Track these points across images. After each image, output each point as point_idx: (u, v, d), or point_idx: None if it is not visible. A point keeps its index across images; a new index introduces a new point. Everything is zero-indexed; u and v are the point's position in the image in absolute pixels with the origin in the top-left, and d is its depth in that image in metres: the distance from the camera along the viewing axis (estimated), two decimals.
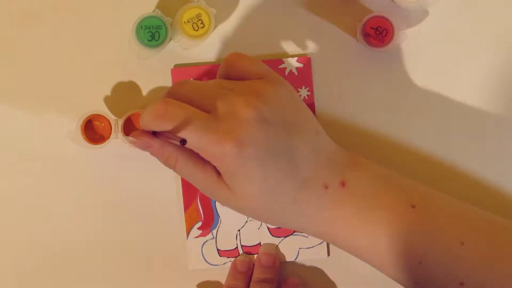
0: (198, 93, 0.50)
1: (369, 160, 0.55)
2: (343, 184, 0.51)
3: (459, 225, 0.51)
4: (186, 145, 0.48)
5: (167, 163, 0.52)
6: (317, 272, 0.61)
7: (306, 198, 0.51)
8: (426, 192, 0.53)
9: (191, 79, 0.60)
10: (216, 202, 0.61)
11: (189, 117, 0.48)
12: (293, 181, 0.50)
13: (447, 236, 0.50)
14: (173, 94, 0.51)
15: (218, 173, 0.50)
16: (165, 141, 0.50)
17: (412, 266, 0.50)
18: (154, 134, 0.51)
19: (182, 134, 0.48)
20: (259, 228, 0.61)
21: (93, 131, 0.59)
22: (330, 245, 0.61)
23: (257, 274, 0.59)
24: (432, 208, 0.52)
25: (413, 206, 0.51)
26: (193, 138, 0.48)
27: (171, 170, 0.60)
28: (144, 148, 0.52)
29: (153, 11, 0.60)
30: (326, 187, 0.51)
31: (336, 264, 0.61)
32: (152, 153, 0.52)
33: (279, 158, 0.50)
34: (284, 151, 0.50)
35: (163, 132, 0.50)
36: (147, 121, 0.50)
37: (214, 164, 0.50)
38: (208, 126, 0.48)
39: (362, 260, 0.53)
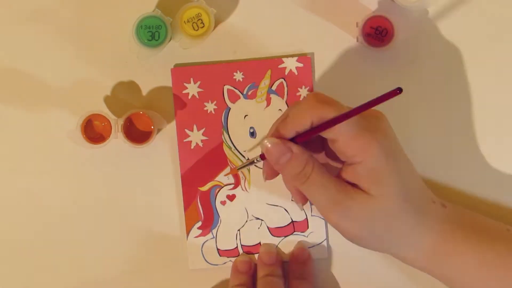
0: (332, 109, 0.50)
1: None
2: (443, 205, 0.54)
3: None
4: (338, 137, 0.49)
5: (302, 172, 0.50)
6: (317, 272, 0.61)
7: (423, 208, 0.52)
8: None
9: (191, 80, 0.61)
10: (217, 203, 0.61)
11: (341, 108, 0.49)
12: (414, 187, 0.52)
13: None
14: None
15: (349, 183, 0.51)
16: (303, 147, 0.50)
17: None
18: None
19: (332, 128, 0.49)
20: (259, 228, 0.61)
21: (93, 131, 0.59)
22: (330, 245, 0.61)
23: (261, 272, 0.59)
24: None
25: (508, 230, 0.55)
26: (346, 129, 0.49)
27: (171, 170, 0.60)
28: (284, 153, 0.50)
29: (153, 10, 0.60)
30: (433, 202, 0.54)
31: (336, 264, 0.61)
32: (288, 161, 0.50)
33: (405, 162, 0.52)
34: (406, 159, 0.53)
35: (301, 134, 0.50)
36: (308, 107, 0.49)
37: (358, 158, 0.49)
38: (356, 120, 0.49)
39: (461, 282, 0.54)
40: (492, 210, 0.60)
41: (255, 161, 0.54)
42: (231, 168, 0.61)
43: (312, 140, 0.52)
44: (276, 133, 0.51)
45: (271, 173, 0.55)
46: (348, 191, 0.50)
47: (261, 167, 0.57)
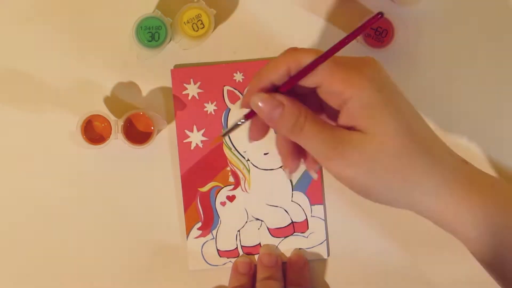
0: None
1: None
2: (465, 161, 0.48)
3: None
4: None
5: (296, 124, 0.46)
6: (317, 272, 0.61)
7: (437, 157, 0.46)
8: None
9: (191, 81, 0.61)
10: (217, 203, 0.61)
11: (334, 52, 0.45)
12: (422, 131, 0.46)
13: None
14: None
15: (348, 129, 0.46)
16: (293, 98, 0.46)
17: None
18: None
19: (319, 68, 0.45)
20: (259, 229, 0.61)
21: (93, 131, 0.59)
22: (330, 246, 0.61)
23: (261, 274, 0.60)
24: None
25: None
26: (330, 68, 0.45)
27: (171, 171, 0.60)
28: (275, 107, 0.46)
29: (153, 11, 0.60)
30: (452, 155, 0.47)
31: (336, 264, 0.61)
32: (280, 116, 0.46)
33: (406, 103, 0.47)
34: (408, 102, 0.47)
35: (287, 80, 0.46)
36: (282, 56, 0.46)
37: (350, 94, 0.45)
38: (338, 59, 0.45)
39: (470, 239, 0.47)
40: None
41: (240, 122, 0.49)
42: (217, 140, 0.59)
43: (310, 102, 0.48)
44: (254, 87, 0.47)
45: (257, 134, 0.50)
46: (345, 135, 0.45)
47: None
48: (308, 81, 0.46)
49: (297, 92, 0.47)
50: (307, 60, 0.45)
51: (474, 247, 0.47)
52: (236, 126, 0.49)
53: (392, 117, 0.45)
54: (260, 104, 0.46)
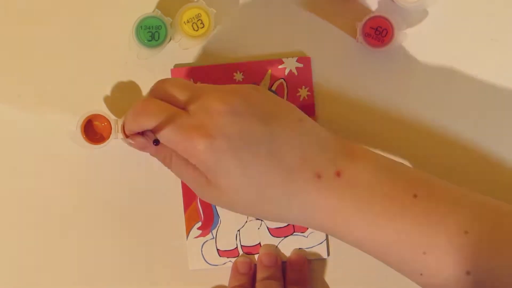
0: (177, 91, 0.51)
1: (365, 147, 0.53)
2: (338, 173, 0.50)
3: (462, 213, 0.49)
4: (165, 144, 0.50)
5: (164, 162, 0.53)
6: (317, 272, 0.61)
7: (296, 189, 0.49)
8: (427, 180, 0.51)
9: (191, 79, 0.61)
10: None
11: (165, 115, 0.49)
12: (278, 171, 0.49)
13: (451, 225, 0.48)
14: (154, 91, 0.53)
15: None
16: (160, 145, 0.52)
17: (416, 257, 0.49)
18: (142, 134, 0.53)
19: (161, 133, 0.50)
20: (258, 228, 0.61)
21: (93, 131, 0.59)
22: (330, 245, 0.61)
23: (261, 274, 0.59)
24: (435, 197, 0.50)
25: (415, 196, 0.49)
26: (169, 135, 0.49)
27: (171, 171, 0.60)
28: (141, 149, 0.53)
29: (153, 11, 0.60)
30: (319, 177, 0.49)
31: (336, 264, 0.61)
32: (151, 154, 0.54)
33: (257, 148, 0.49)
34: (262, 141, 0.49)
35: (146, 132, 0.51)
36: (128, 121, 0.52)
37: (192, 161, 0.50)
38: (181, 123, 0.49)
39: (362, 250, 0.52)
40: None
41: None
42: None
43: None
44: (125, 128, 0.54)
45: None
46: (203, 183, 0.51)
47: None
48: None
49: None
50: (149, 126, 0.51)
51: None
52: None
53: (236, 179, 0.49)
54: (129, 145, 0.54)
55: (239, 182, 0.49)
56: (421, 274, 0.50)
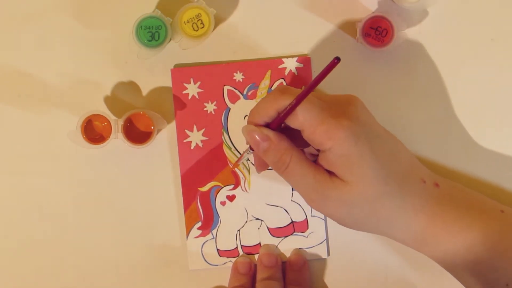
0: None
1: None
2: (436, 184, 0.54)
3: None
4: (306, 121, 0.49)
5: (280, 161, 0.51)
6: (317, 272, 0.61)
7: (408, 189, 0.52)
8: (501, 203, 0.56)
9: (191, 80, 0.61)
10: (217, 203, 0.61)
11: (305, 96, 0.49)
12: (398, 169, 0.52)
13: None
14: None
15: (328, 172, 0.51)
16: (281, 134, 0.51)
17: (506, 266, 0.52)
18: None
19: (299, 112, 0.49)
20: (259, 228, 0.61)
21: (93, 131, 0.59)
22: (330, 246, 0.61)
23: (261, 275, 0.60)
24: None
25: (502, 211, 0.54)
26: (310, 113, 0.49)
27: (171, 170, 0.60)
28: (262, 140, 0.51)
29: (153, 11, 0.60)
30: (424, 182, 0.53)
31: (336, 264, 0.61)
32: (266, 149, 0.52)
33: (382, 144, 0.51)
34: (386, 140, 0.52)
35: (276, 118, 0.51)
36: (271, 99, 0.51)
37: (327, 144, 0.49)
38: (322, 105, 0.50)
39: (445, 265, 0.54)
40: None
41: (247, 152, 0.55)
42: (231, 164, 0.61)
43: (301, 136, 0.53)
44: (250, 122, 0.53)
45: (260, 164, 0.56)
46: (326, 180, 0.51)
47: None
48: (293, 124, 0.50)
49: (292, 128, 0.51)
50: (287, 102, 0.50)
51: (446, 264, 0.54)
52: (244, 155, 0.56)
53: (367, 167, 0.50)
54: (247, 135, 0.52)
55: (371, 171, 0.50)
56: (506, 285, 0.52)
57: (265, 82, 0.61)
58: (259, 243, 0.61)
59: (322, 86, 0.61)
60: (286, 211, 0.61)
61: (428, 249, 0.53)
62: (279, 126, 0.51)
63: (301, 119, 0.50)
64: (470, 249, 0.52)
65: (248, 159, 0.61)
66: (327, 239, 0.61)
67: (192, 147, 0.61)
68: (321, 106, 0.50)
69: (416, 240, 0.53)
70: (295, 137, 0.53)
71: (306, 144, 0.53)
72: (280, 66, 0.61)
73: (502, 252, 0.52)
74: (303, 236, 0.61)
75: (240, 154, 0.61)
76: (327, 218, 0.61)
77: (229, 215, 0.61)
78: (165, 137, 0.61)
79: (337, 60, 0.47)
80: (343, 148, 0.49)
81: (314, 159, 0.53)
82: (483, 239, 0.52)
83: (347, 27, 0.61)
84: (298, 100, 0.49)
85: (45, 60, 0.61)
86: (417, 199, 0.52)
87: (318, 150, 0.52)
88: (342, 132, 0.49)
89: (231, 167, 0.61)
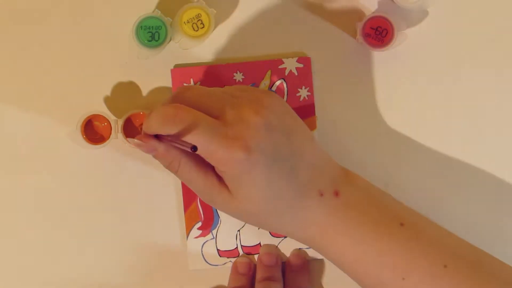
0: (205, 99, 0.51)
1: (361, 176, 0.55)
2: (336, 193, 0.53)
3: (443, 248, 0.51)
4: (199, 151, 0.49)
5: (170, 166, 0.52)
6: (317, 272, 0.61)
7: (303, 204, 0.52)
8: (413, 214, 0.54)
9: (191, 80, 0.61)
10: None
11: (198, 122, 0.49)
12: (292, 187, 0.51)
13: (432, 257, 0.51)
14: (178, 99, 0.51)
15: (219, 177, 0.51)
16: (169, 145, 0.51)
17: (395, 281, 0.51)
18: (158, 137, 0.51)
19: (190, 138, 0.48)
20: (259, 228, 0.61)
21: (93, 131, 0.59)
22: None
23: (260, 274, 0.60)
24: (419, 228, 0.53)
25: (402, 224, 0.52)
26: (202, 142, 0.48)
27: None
28: (149, 151, 0.52)
29: (153, 11, 0.60)
30: (321, 195, 0.52)
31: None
32: (156, 156, 0.52)
33: (283, 164, 0.51)
34: (287, 157, 0.51)
35: (166, 136, 0.50)
36: (155, 124, 0.50)
37: (221, 168, 0.50)
38: (217, 132, 0.49)
39: (342, 269, 0.54)
40: None
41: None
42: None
43: None
44: (143, 131, 0.52)
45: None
46: (214, 187, 0.51)
47: None
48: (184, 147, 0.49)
49: None
50: (168, 131, 0.49)
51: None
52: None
53: (257, 191, 0.50)
54: (136, 147, 0.51)
55: (260, 194, 0.50)
56: None
57: (265, 82, 0.61)
58: (259, 243, 0.61)
59: (321, 85, 0.61)
60: None
61: (322, 253, 0.54)
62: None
63: (197, 142, 0.49)
64: (357, 262, 0.52)
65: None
66: None
67: None
68: (213, 132, 0.49)
69: (310, 244, 0.54)
70: None
71: None
72: (280, 66, 0.61)
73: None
74: None
75: None
76: None
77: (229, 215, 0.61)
78: None
79: (193, 149, 0.47)
80: (236, 176, 0.50)
81: None
82: (372, 254, 0.51)
83: (347, 27, 0.61)
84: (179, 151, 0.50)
85: (45, 60, 0.61)
86: (310, 213, 0.52)
87: None
88: (235, 164, 0.49)
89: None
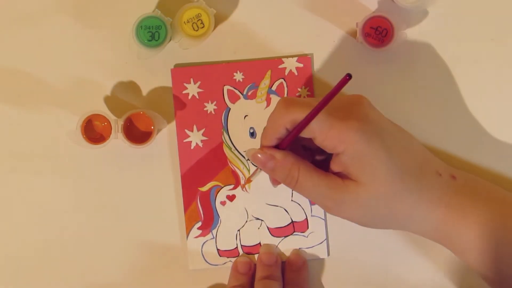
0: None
1: None
2: (453, 176, 0.54)
3: None
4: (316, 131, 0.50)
5: (289, 176, 0.52)
6: (317, 272, 0.61)
7: (425, 183, 0.52)
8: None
9: (191, 80, 0.61)
10: (217, 203, 0.61)
11: (312, 104, 0.50)
12: (411, 164, 0.52)
13: None
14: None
15: (341, 178, 0.51)
16: (286, 152, 0.52)
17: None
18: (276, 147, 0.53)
19: (314, 121, 0.49)
20: (258, 228, 0.61)
21: (93, 131, 0.59)
22: (330, 245, 0.61)
23: (260, 273, 0.60)
24: None
25: None
26: (319, 120, 0.49)
27: (171, 170, 0.60)
28: (267, 160, 0.52)
29: (153, 11, 0.60)
30: (440, 175, 0.53)
31: (336, 264, 0.61)
32: (273, 168, 0.52)
33: (394, 139, 0.51)
34: (397, 136, 0.52)
35: (287, 131, 0.51)
36: (282, 110, 0.51)
37: (339, 148, 0.50)
38: (329, 110, 0.50)
39: (465, 257, 0.53)
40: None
41: (260, 169, 0.55)
42: (244, 180, 0.61)
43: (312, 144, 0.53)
44: (261, 143, 0.54)
45: (274, 180, 0.56)
46: (339, 185, 0.51)
47: None
48: (304, 134, 0.51)
49: (299, 138, 0.52)
50: (299, 117, 0.50)
51: (472, 263, 0.53)
52: (257, 171, 0.56)
53: (381, 165, 0.50)
54: (252, 158, 0.53)
55: (384, 168, 0.50)
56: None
57: (265, 82, 0.61)
58: (259, 243, 0.61)
59: (321, 85, 0.61)
60: (286, 211, 0.61)
61: (449, 240, 0.53)
62: (292, 141, 0.52)
63: (311, 128, 0.50)
64: (490, 242, 0.51)
65: (249, 159, 0.61)
66: (327, 239, 0.61)
67: (192, 147, 0.61)
68: (327, 111, 0.50)
69: (435, 231, 0.53)
70: (303, 147, 0.54)
71: (316, 150, 0.54)
72: (280, 66, 0.61)
73: None
74: (303, 236, 0.61)
75: (240, 154, 0.61)
76: (327, 218, 0.61)
77: (229, 215, 0.61)
78: (165, 137, 0.61)
79: (348, 77, 0.47)
80: (356, 149, 0.50)
81: (323, 160, 0.53)
82: (504, 233, 0.51)
83: (347, 27, 0.61)
84: (308, 119, 0.50)
85: (45, 60, 0.61)
86: (435, 192, 0.52)
87: (331, 155, 0.52)
88: (353, 134, 0.49)
89: (243, 183, 0.61)
